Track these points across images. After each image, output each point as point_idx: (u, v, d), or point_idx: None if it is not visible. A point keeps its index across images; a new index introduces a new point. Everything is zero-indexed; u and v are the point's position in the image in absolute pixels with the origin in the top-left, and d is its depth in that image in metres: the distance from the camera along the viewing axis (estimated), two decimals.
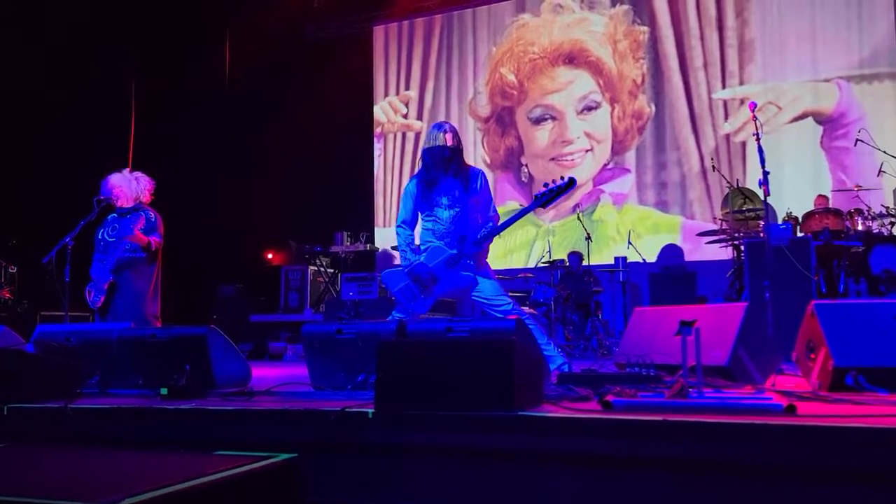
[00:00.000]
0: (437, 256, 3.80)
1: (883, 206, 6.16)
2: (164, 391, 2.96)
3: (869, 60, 7.91)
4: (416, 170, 4.07)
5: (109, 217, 4.53)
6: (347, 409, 2.43)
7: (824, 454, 1.89)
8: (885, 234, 5.92)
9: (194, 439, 2.58)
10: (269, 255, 9.95)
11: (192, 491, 1.93)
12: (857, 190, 6.35)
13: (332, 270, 8.55)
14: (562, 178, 3.69)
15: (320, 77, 9.66)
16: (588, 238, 7.06)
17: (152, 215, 4.48)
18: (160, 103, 8.60)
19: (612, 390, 2.54)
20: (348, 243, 8.62)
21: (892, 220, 5.97)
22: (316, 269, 8.44)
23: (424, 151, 3.92)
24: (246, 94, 9.70)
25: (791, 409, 2.16)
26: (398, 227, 4.03)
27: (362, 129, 10.34)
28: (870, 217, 6.03)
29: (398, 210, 4.10)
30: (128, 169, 4.64)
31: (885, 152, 6.36)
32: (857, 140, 6.55)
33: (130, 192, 4.50)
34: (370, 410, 2.40)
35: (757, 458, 1.95)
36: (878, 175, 6.31)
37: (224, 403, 2.77)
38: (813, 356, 2.98)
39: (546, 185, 3.72)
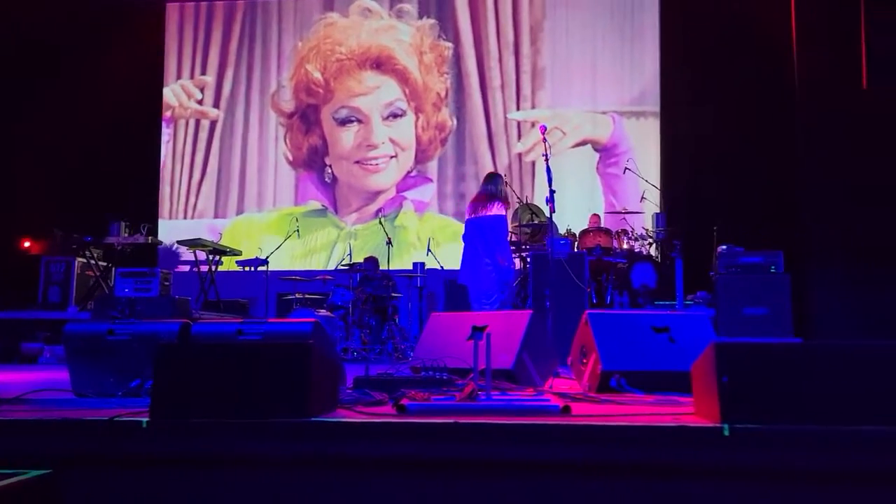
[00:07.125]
0: None
1: (643, 228, 7.00)
2: None
3: (638, 98, 8.97)
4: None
5: None
6: (118, 419, 2.18)
7: (594, 450, 2.06)
8: (644, 253, 6.75)
9: None
10: (26, 244, 8.68)
11: None
12: (624, 213, 7.13)
13: (104, 264, 7.68)
14: None
15: (103, 48, 8.69)
16: (389, 243, 7.14)
17: None
18: None
19: (406, 394, 2.57)
20: (126, 234, 7.77)
21: (650, 241, 6.81)
22: (85, 261, 7.51)
23: None
24: (11, 58, 8.39)
25: (567, 410, 2.35)
26: None
27: (149, 112, 9.48)
28: (633, 237, 6.82)
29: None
30: None
31: (647, 181, 7.29)
32: (626, 169, 7.43)
33: None
34: (145, 420, 2.18)
35: (538, 456, 2.08)
36: (640, 201, 7.17)
37: None
38: (585, 360, 3.28)
39: None
